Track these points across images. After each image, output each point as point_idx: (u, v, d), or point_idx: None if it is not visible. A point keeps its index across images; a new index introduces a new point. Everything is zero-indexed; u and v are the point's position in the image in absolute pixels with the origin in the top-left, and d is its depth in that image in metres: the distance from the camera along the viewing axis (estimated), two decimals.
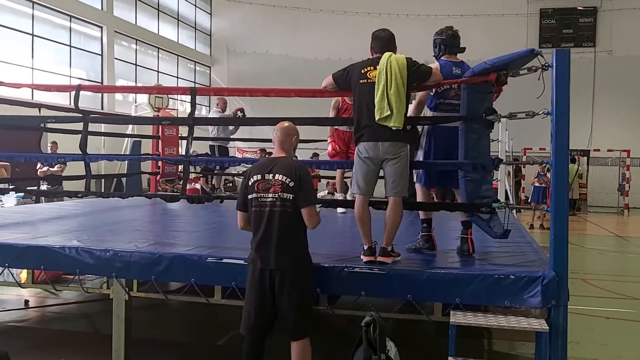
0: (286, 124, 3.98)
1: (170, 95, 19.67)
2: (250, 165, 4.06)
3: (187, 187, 12.29)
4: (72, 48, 18.33)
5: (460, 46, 4.85)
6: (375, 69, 4.21)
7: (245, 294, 3.86)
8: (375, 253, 4.23)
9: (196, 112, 5.41)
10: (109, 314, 4.71)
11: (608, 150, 19.91)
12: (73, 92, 5.31)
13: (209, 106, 26.42)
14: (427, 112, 4.94)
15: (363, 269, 4.13)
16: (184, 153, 12.43)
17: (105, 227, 6.23)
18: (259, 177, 3.75)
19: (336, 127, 7.78)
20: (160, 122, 7.41)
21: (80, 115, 5.47)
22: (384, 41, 4.39)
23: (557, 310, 3.76)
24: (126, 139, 15.84)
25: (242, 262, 4.16)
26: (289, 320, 3.71)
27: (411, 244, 4.94)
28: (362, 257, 4.27)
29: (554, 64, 3.83)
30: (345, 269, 4.12)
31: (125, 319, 4.62)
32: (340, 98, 7.71)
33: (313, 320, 3.88)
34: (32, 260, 4.71)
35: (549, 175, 15.36)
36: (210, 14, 26.94)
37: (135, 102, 20.43)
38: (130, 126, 16.10)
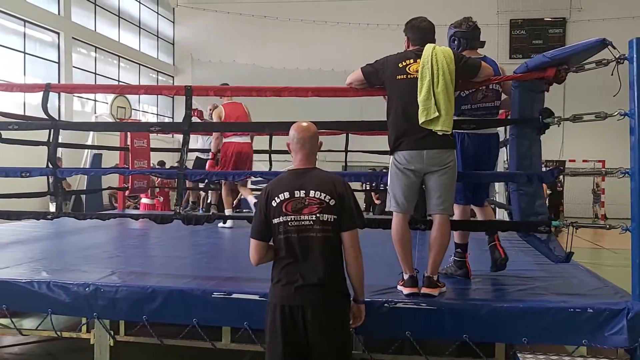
0: (305, 123, 3.08)
1: (132, 106, 18.59)
2: (269, 182, 3.26)
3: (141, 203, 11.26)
4: (26, 55, 17.08)
5: (481, 40, 4.24)
6: (416, 62, 3.52)
7: (269, 339, 3.04)
8: (417, 283, 3.53)
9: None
10: (79, 353, 3.97)
11: (583, 161, 19.77)
12: (31, 100, 4.47)
13: (172, 117, 25.38)
14: None
15: (408, 304, 3.41)
16: (158, 166, 11.48)
17: (77, 254, 5.27)
18: (287, 195, 2.92)
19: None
20: (148, 128, 6.51)
21: (49, 122, 4.59)
22: (424, 32, 3.69)
23: None
24: (86, 151, 14.75)
25: (256, 297, 3.47)
26: None
27: (441, 268, 4.25)
28: (400, 288, 3.57)
29: (635, 55, 3.23)
30: (386, 305, 3.41)
31: None
32: (224, 109, 6.95)
33: None
34: None
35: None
36: (173, 22, 25.92)
37: (95, 113, 19.28)
38: (90, 137, 14.96)
